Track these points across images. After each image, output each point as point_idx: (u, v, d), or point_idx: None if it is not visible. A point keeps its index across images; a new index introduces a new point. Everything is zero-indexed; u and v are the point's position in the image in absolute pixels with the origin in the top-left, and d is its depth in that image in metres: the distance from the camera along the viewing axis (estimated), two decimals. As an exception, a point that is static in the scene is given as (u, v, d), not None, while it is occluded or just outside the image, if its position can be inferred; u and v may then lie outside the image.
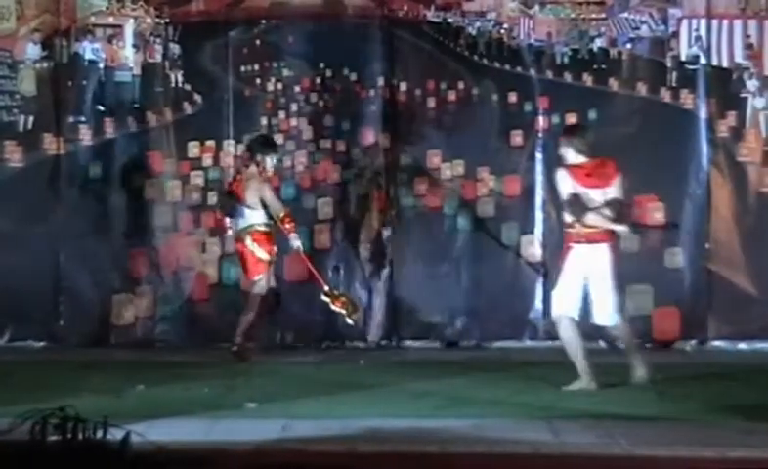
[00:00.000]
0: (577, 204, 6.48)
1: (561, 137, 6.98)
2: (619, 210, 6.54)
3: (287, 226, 7.73)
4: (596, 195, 6.52)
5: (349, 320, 7.83)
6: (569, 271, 6.51)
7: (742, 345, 8.55)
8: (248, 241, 7.74)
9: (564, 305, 6.53)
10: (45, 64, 8.92)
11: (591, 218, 6.46)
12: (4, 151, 8.85)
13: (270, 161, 7.86)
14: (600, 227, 6.48)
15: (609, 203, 6.50)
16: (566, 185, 6.54)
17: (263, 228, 7.76)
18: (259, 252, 7.73)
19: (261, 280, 7.75)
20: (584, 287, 6.49)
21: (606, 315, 6.52)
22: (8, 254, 8.67)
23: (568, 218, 6.57)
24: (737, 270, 8.60)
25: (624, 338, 6.72)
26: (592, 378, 6.41)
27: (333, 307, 7.78)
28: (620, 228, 6.62)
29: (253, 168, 7.82)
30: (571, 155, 6.65)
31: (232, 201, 7.88)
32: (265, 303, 7.80)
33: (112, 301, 8.73)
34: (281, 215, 7.74)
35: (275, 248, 7.82)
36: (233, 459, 4.24)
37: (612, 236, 6.56)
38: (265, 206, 7.75)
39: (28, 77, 8.93)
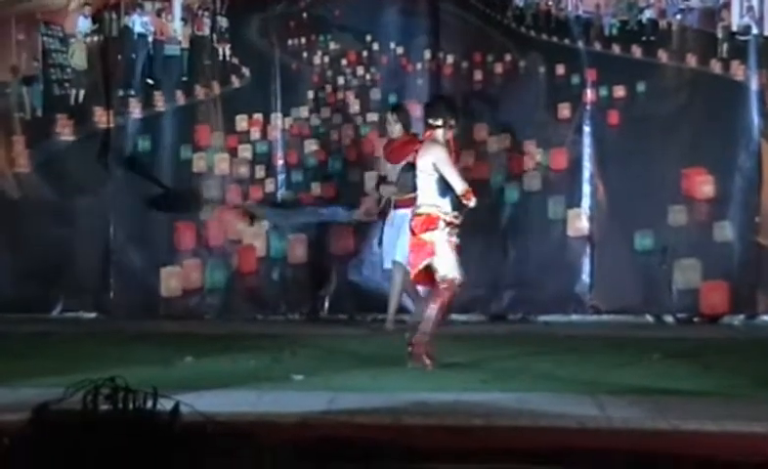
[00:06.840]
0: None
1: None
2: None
3: None
4: None
5: None
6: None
7: (791, 320, 8.45)
8: None
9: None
10: (95, 38, 9.01)
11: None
12: (56, 125, 8.98)
13: None
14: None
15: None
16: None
17: None
18: None
19: None
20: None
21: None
22: (59, 227, 8.84)
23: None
24: (787, 244, 8.47)
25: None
26: None
27: None
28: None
29: None
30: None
31: None
32: None
33: (161, 273, 8.85)
34: None
35: None
36: (279, 431, 4.28)
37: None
38: None
39: (79, 51, 9.02)
